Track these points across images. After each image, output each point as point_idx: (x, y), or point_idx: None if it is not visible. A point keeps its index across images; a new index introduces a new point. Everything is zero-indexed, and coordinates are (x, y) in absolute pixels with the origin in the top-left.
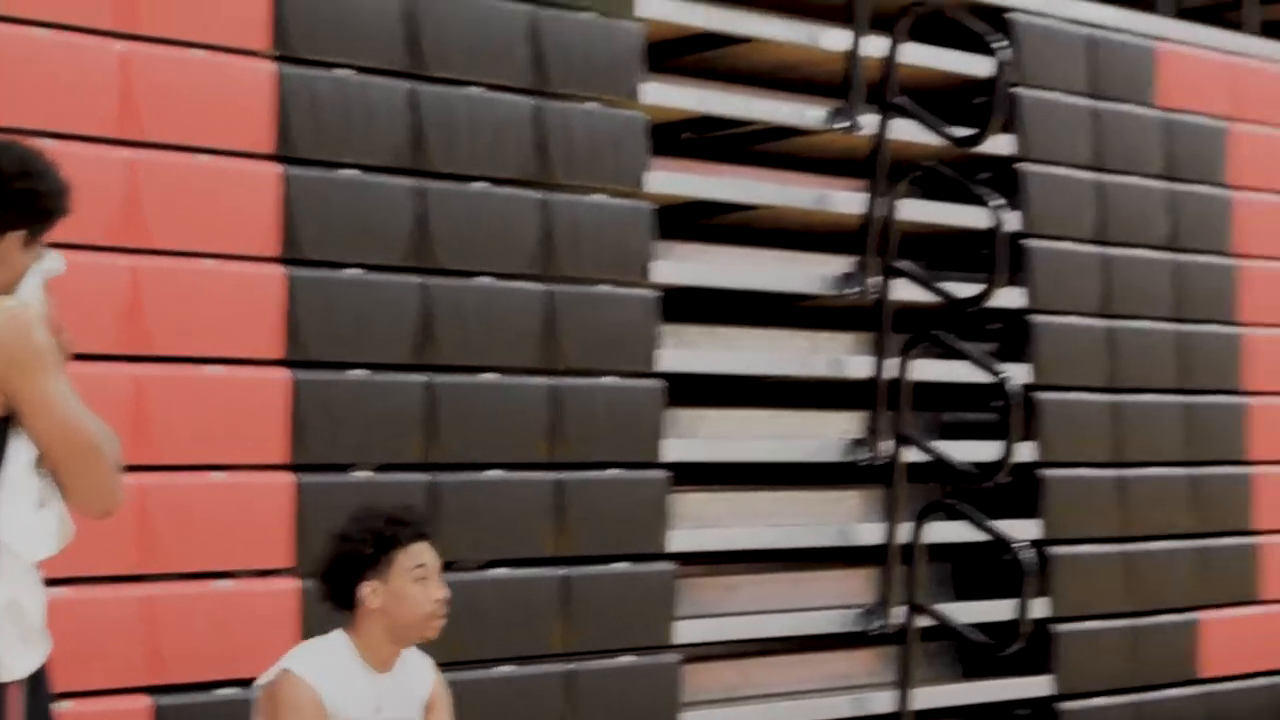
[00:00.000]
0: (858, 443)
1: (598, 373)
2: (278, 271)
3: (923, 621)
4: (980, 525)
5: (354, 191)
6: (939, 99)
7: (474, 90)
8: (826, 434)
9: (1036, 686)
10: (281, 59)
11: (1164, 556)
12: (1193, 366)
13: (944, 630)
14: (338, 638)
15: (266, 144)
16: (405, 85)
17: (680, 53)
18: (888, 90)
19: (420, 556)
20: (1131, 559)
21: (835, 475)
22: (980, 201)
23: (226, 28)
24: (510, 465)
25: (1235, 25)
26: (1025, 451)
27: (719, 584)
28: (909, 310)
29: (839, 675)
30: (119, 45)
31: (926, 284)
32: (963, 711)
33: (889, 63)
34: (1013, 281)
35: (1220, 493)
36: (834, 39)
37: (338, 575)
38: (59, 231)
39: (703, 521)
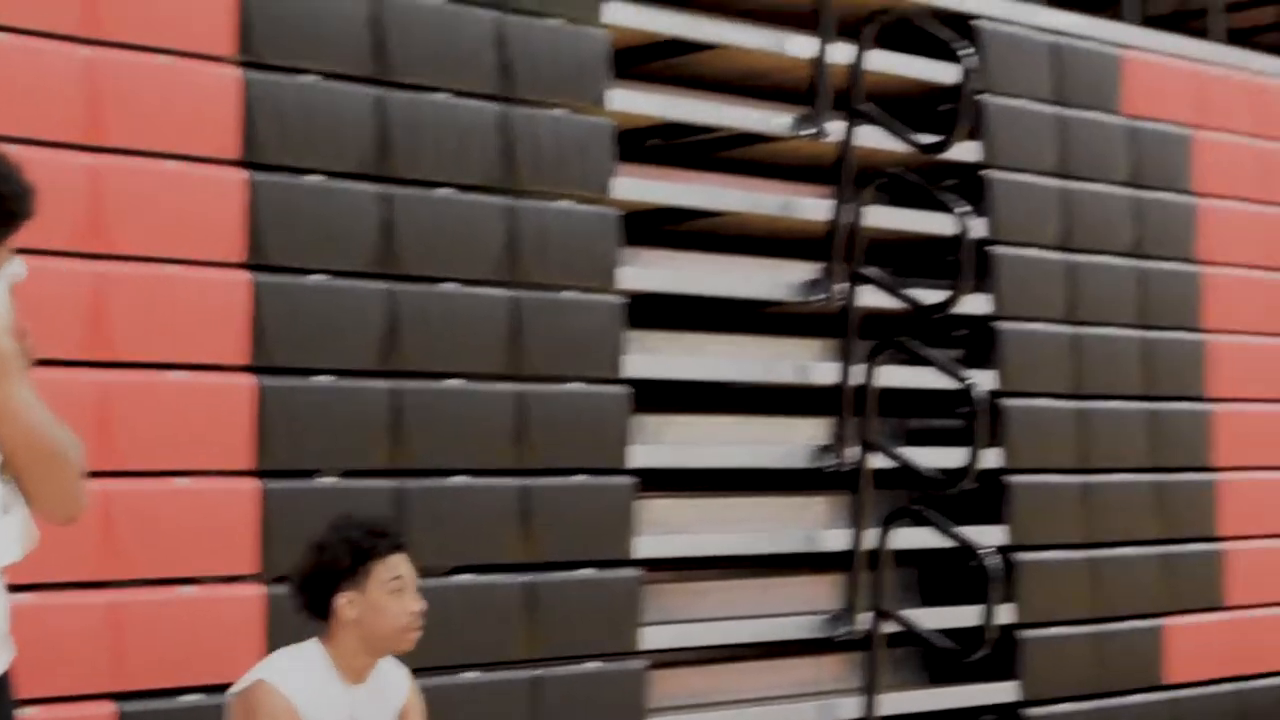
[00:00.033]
0: (824, 449)
1: (564, 379)
2: (243, 277)
3: (889, 627)
4: (946, 531)
5: (320, 197)
6: (905, 106)
7: (440, 96)
8: (793, 440)
9: (1002, 692)
10: (247, 65)
11: (1129, 562)
12: (1157, 373)
13: (910, 636)
14: (312, 647)
15: (232, 150)
16: (371, 91)
17: (647, 59)
18: (854, 97)
19: (397, 569)
20: (1097, 565)
21: (802, 481)
22: (946, 208)
23: (192, 33)
24: (476, 471)
25: (1200, 33)
26: (991, 458)
27: (685, 590)
28: (875, 316)
29: (805, 681)
30: (84, 50)
31: (892, 290)
32: (929, 717)
33: (855, 69)
34: (978, 288)
35: (1185, 499)
36: (800, 46)
37: (314, 585)
38: (23, 236)
39: (669, 527)
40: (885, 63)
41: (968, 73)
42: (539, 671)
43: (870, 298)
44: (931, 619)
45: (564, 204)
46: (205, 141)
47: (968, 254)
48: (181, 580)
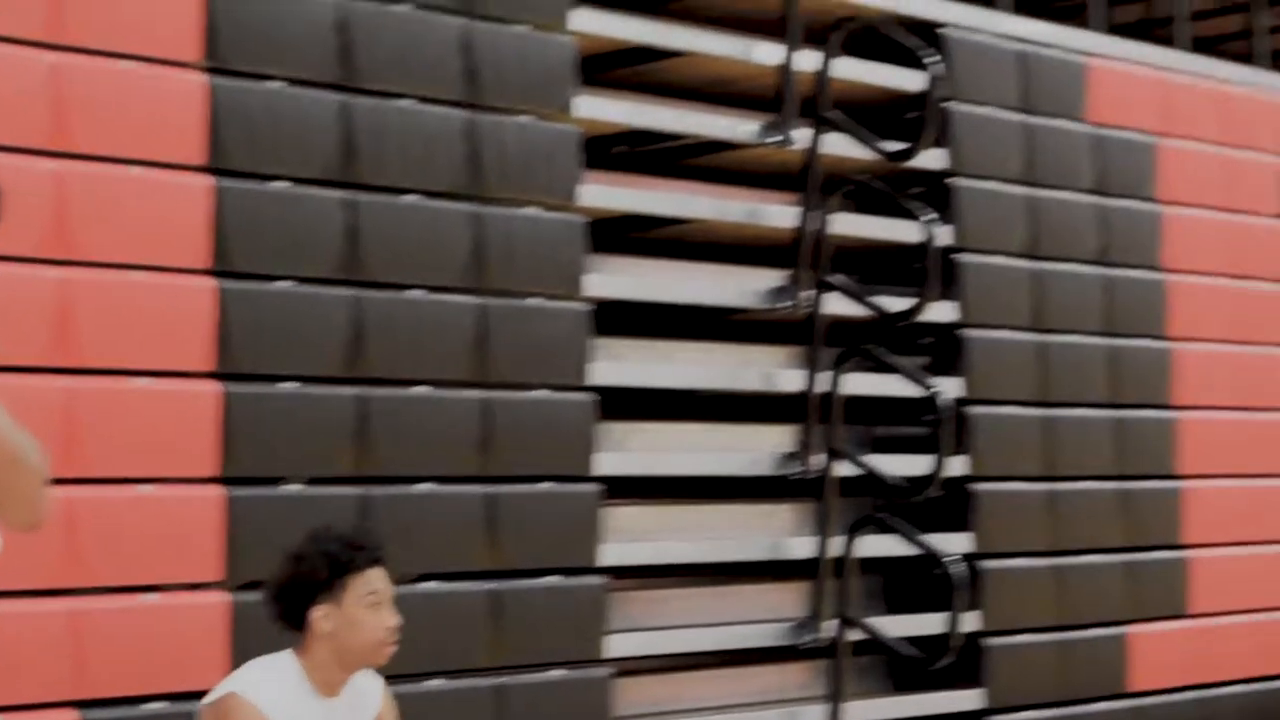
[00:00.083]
0: (789, 456)
1: (529, 386)
2: (208, 284)
3: (854, 635)
4: (911, 539)
5: (285, 204)
6: (871, 113)
7: (406, 103)
8: (759, 448)
9: (967, 700)
10: (213, 70)
11: (1094, 570)
12: (1123, 381)
13: (875, 644)
14: (285, 659)
15: (197, 156)
16: (337, 97)
17: (613, 66)
18: (820, 104)
19: (374, 583)
20: (1062, 573)
21: (767, 489)
22: (912, 216)
23: (158, 39)
24: (441, 479)
25: (1166, 41)
26: (956, 465)
27: (650, 597)
28: (841, 324)
29: (770, 689)
30: (49, 56)
31: (859, 298)
32: None
33: (822, 77)
34: (944, 296)
35: (1150, 507)
36: (767, 53)
37: (289, 596)
38: None
39: (634, 535)
40: (852, 70)
41: (934, 80)
42: (504, 679)
43: (836, 305)
44: (896, 627)
45: (530, 211)
46: (171, 147)
47: (934, 261)
48: (145, 588)
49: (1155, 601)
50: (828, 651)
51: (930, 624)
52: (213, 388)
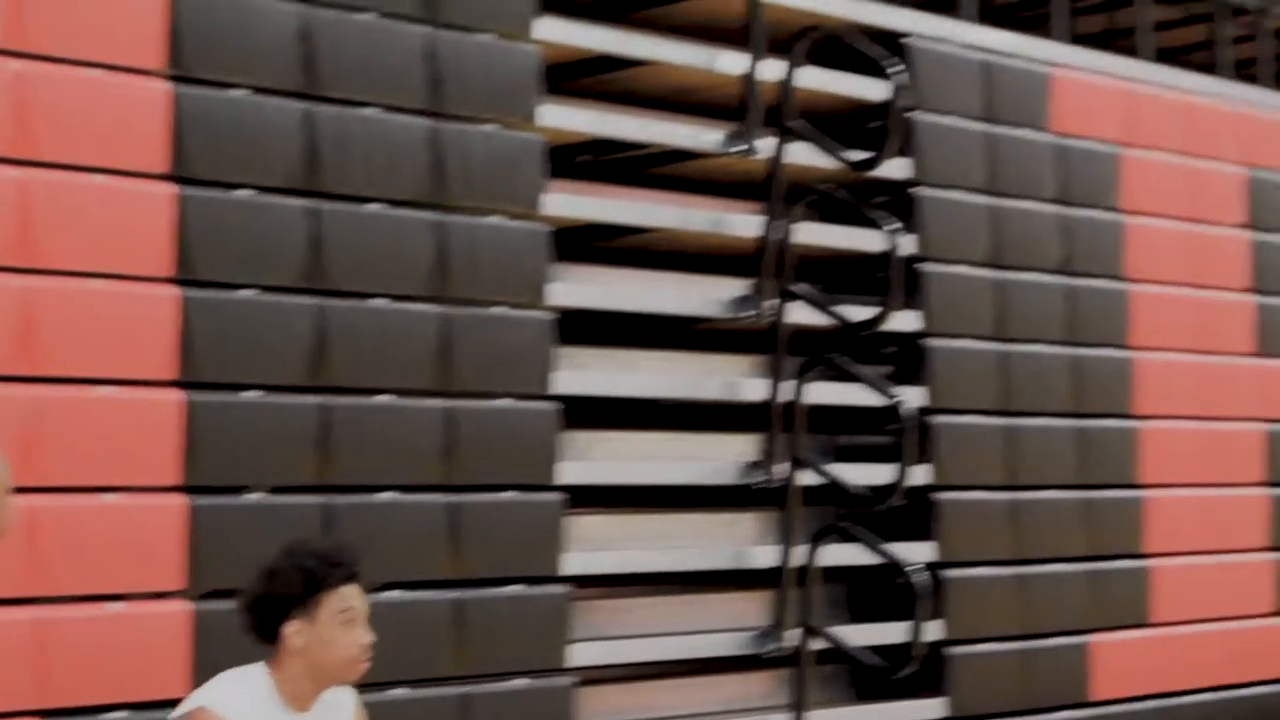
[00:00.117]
0: (753, 465)
1: (493, 395)
2: (172, 292)
3: (817, 644)
4: (874, 548)
5: (249, 212)
6: (835, 123)
7: (370, 111)
8: (722, 457)
9: (930, 709)
10: (176, 79)
11: (1056, 579)
12: (1085, 390)
13: (838, 653)
14: (256, 672)
15: (161, 164)
16: (301, 106)
17: (577, 75)
18: (784, 114)
19: (349, 600)
20: (1024, 582)
21: (730, 498)
22: (875, 225)
23: (121, 47)
24: (405, 487)
25: (1129, 51)
26: (919, 475)
27: (614, 606)
28: (804, 333)
29: (734, 698)
30: (13, 64)
31: (822, 307)
32: None
33: (786, 86)
34: (908, 305)
35: (1112, 516)
36: (731, 62)
37: (263, 610)
38: None
39: (598, 544)
40: (816, 80)
41: (898, 90)
42: (467, 688)
43: (800, 314)
44: (859, 636)
45: (494, 220)
46: (134, 155)
47: (897, 271)
48: (108, 597)
49: (1117, 610)
50: (791, 660)
51: (893, 633)
52: (175, 396)
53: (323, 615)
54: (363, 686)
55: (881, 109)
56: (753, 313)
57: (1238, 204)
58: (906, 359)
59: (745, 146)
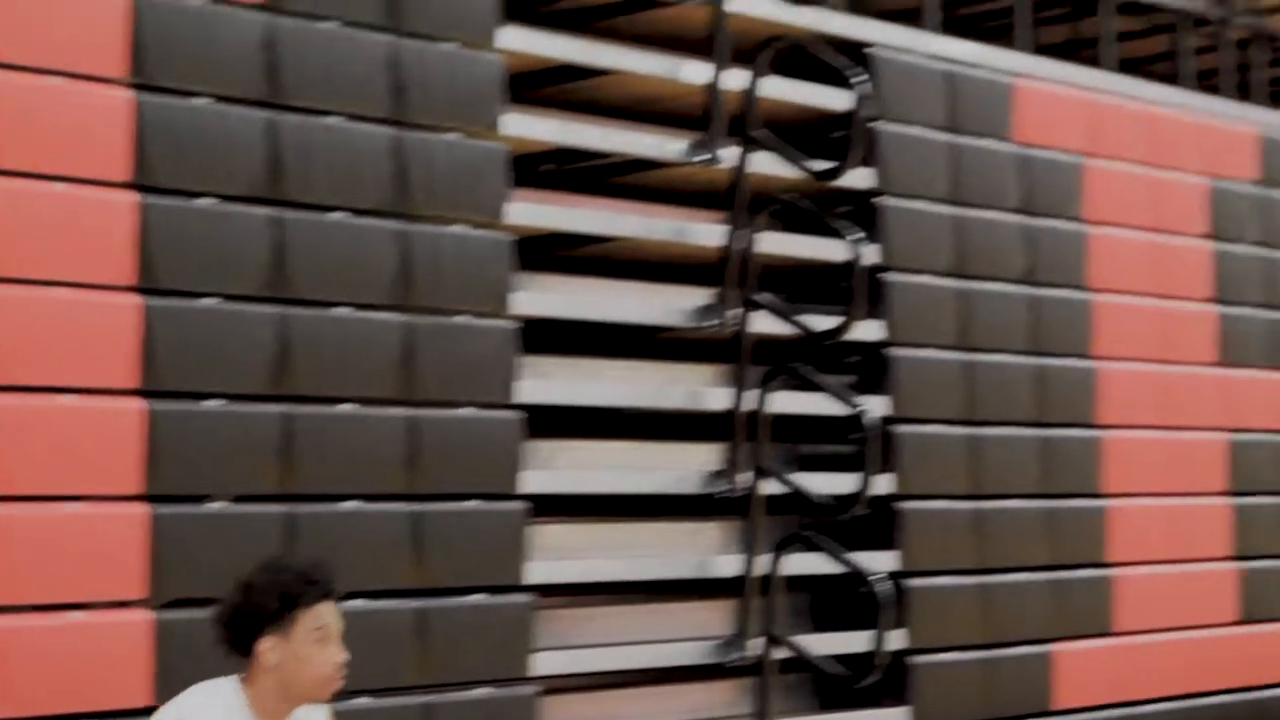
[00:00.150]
0: (716, 474)
1: (456, 404)
2: (134, 301)
3: (780, 653)
4: (838, 557)
5: (211, 221)
6: (799, 132)
7: (333, 120)
8: (685, 466)
9: (893, 718)
10: (139, 87)
11: (1019, 588)
12: (1048, 400)
13: (801, 662)
14: (229, 685)
15: (123, 172)
16: (263, 114)
17: (541, 84)
18: (748, 123)
19: (323, 617)
20: (988, 591)
21: (694, 507)
22: (839, 234)
23: (84, 55)
24: (368, 496)
25: (1092, 62)
26: (883, 483)
27: (577, 615)
28: (768, 342)
29: (697, 707)
30: None
31: (785, 316)
32: None
33: (749, 96)
34: (871, 314)
35: (1075, 525)
36: (695, 72)
37: (238, 626)
38: None
39: (561, 553)
40: (779, 89)
41: (861, 100)
42: (430, 698)
43: (763, 324)
44: (823, 645)
45: (457, 229)
46: (97, 164)
47: (860, 280)
48: (69, 606)
49: (1080, 619)
50: (754, 669)
51: (856, 642)
52: (138, 405)
53: (298, 633)
54: None
55: (845, 119)
56: (716, 322)
57: (1200, 214)
58: (870, 368)
59: (709, 156)
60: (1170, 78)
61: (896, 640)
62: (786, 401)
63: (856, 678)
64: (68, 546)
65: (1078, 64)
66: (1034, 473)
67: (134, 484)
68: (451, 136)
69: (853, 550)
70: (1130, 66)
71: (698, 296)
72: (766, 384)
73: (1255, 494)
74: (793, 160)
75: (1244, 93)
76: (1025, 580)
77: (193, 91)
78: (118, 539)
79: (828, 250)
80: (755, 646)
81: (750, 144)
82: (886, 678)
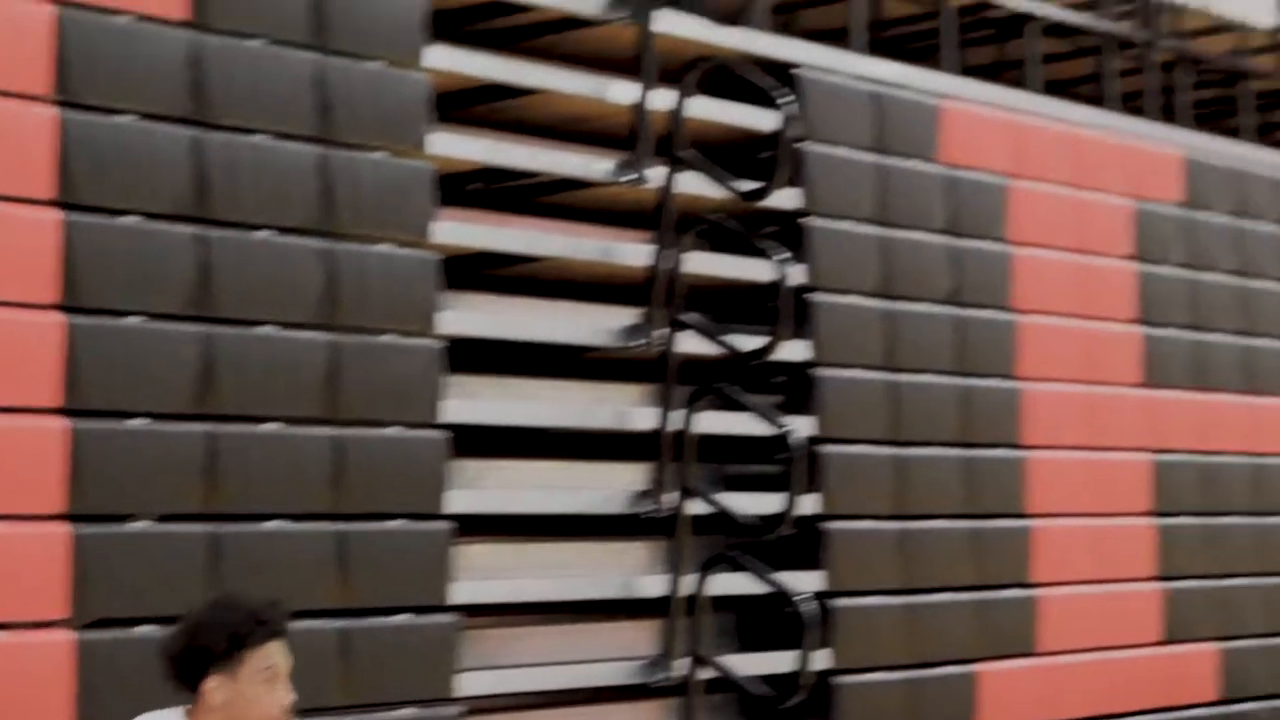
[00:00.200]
0: (642, 494)
1: (382, 423)
2: (57, 319)
3: (705, 673)
4: (763, 577)
5: (136, 239)
6: (726, 153)
7: (259, 138)
8: (612, 486)
9: None
10: (63, 104)
11: (944, 608)
12: (974, 420)
13: (727, 682)
14: (175, 717)
15: (47, 190)
16: (189, 132)
17: (468, 103)
18: (675, 143)
19: (272, 657)
20: (913, 611)
21: (620, 527)
22: (765, 255)
23: (7, 72)
24: (292, 516)
25: (1018, 84)
26: (808, 504)
27: (503, 635)
28: (694, 362)
29: None
30: None
31: (712, 336)
32: None
33: (676, 116)
34: (797, 335)
35: (1000, 545)
36: (622, 92)
37: (185, 663)
38: None
39: (487, 573)
40: (706, 109)
41: (788, 120)
42: (355, 718)
43: (690, 343)
44: (748, 665)
45: (383, 247)
46: (20, 181)
47: (786, 301)
48: None
49: (1005, 639)
50: (680, 690)
51: (782, 662)
52: (61, 424)
53: (244, 673)
54: None
55: (771, 139)
56: (643, 342)
57: (1124, 236)
58: (796, 388)
59: (636, 176)
60: (1096, 100)
61: (822, 660)
62: (713, 421)
63: (782, 698)
64: None
65: (1004, 86)
66: (959, 493)
67: (57, 503)
68: (378, 155)
69: (778, 570)
70: (1056, 88)
71: (624, 316)
72: (693, 404)
73: (1179, 515)
74: (719, 180)
75: (1169, 115)
76: (950, 600)
77: (117, 109)
78: (40, 558)
79: (754, 270)
80: (681, 666)
81: (677, 164)
82: (812, 698)
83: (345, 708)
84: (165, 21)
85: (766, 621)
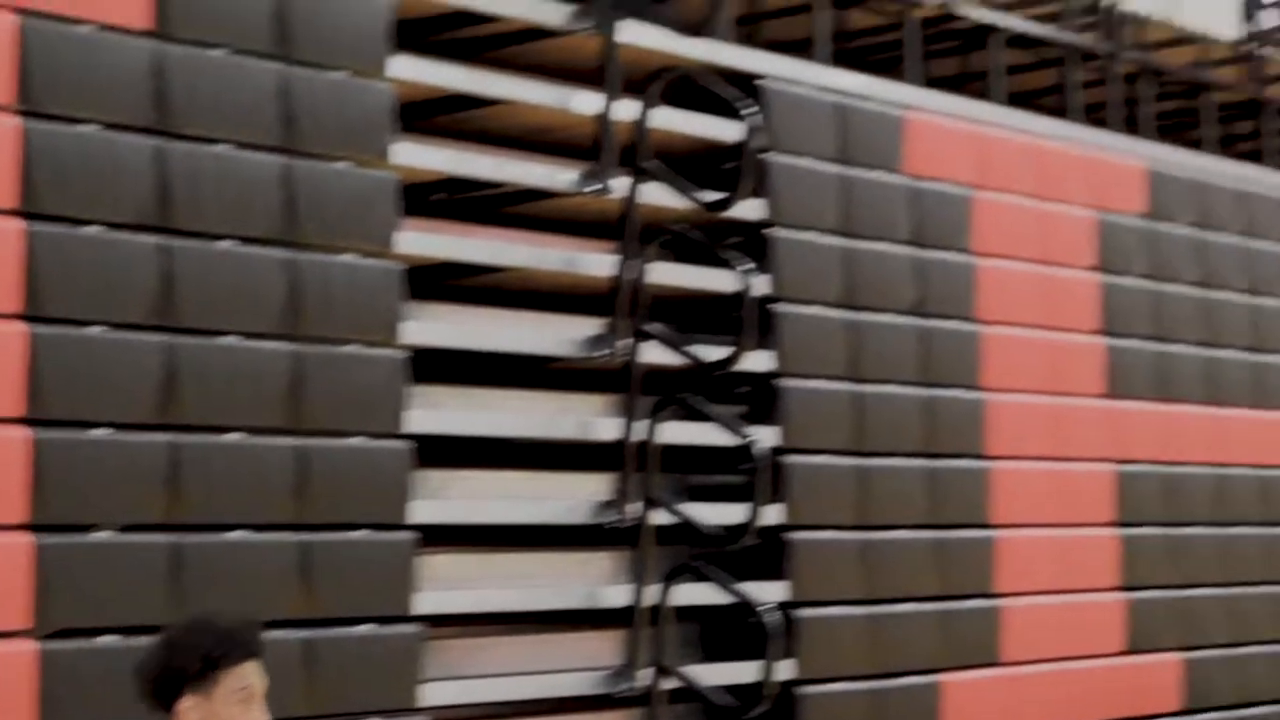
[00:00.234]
0: (606, 505)
1: (345, 433)
2: (19, 329)
3: (669, 683)
4: (727, 587)
5: (99, 249)
6: (690, 163)
7: (222, 148)
8: (575, 496)
9: None
10: (25, 113)
11: (908, 619)
12: (937, 431)
13: (691, 692)
14: None
15: (9, 199)
16: (152, 142)
17: (432, 113)
18: (639, 154)
19: (247, 678)
20: (876, 621)
21: (584, 537)
22: (729, 265)
23: None
24: (255, 526)
25: (982, 95)
26: (772, 514)
27: (467, 646)
28: (658, 372)
29: None
30: None
31: (676, 347)
32: None
33: (640, 126)
34: (761, 345)
35: (963, 555)
36: (586, 102)
37: (159, 683)
38: None
39: (451, 583)
40: (670, 120)
41: (752, 131)
42: None
43: (653, 354)
44: (712, 675)
45: (347, 258)
46: None
47: (750, 311)
48: None
49: (968, 650)
50: (643, 700)
51: (745, 672)
52: (22, 433)
53: (219, 693)
54: None
55: (735, 150)
56: (606, 352)
57: (1087, 247)
58: (759, 399)
59: (599, 186)
60: (1059, 111)
61: (785, 670)
62: (676, 432)
63: (745, 708)
64: None
65: (968, 97)
66: (923, 503)
67: (18, 513)
68: (341, 165)
69: (742, 580)
70: (1019, 100)
71: (588, 326)
72: (656, 414)
73: (1142, 525)
74: (683, 191)
75: (1132, 126)
76: (913, 610)
77: (80, 118)
78: (2, 568)
79: (718, 281)
80: (645, 676)
81: (641, 174)
82: (775, 708)
83: (309, 718)
84: (128, 31)
85: (730, 632)
